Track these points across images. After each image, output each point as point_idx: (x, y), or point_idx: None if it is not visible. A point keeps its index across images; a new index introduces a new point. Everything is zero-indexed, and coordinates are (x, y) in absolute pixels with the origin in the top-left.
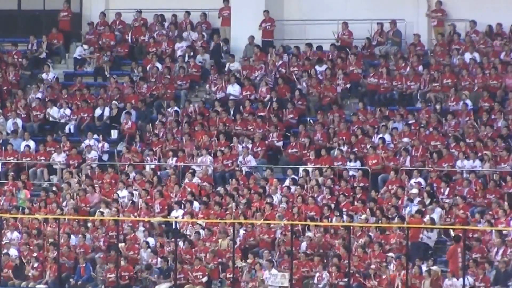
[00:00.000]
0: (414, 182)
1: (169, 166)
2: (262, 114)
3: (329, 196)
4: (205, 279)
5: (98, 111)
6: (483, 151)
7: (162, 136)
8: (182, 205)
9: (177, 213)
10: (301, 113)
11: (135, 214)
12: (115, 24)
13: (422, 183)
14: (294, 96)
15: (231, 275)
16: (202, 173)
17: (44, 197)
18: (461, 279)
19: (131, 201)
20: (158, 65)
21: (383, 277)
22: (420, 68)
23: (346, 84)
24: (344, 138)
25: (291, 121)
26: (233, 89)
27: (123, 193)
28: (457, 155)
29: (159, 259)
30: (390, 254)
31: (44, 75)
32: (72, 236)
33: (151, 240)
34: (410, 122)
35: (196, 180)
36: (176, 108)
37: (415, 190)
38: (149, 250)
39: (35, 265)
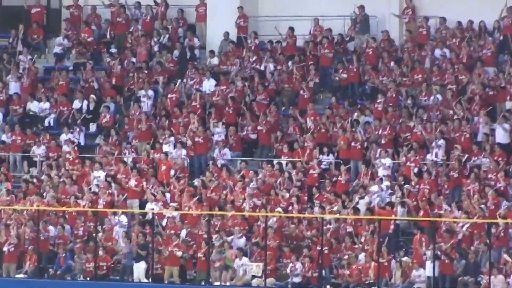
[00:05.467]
0: (381, 162)
1: (145, 155)
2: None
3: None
4: (179, 253)
5: (77, 104)
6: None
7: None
8: (154, 196)
9: (152, 205)
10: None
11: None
12: (91, 19)
13: (389, 163)
14: (265, 90)
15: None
16: (178, 166)
17: (24, 189)
18: (428, 270)
19: (106, 182)
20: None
21: (354, 267)
22: (392, 63)
23: (316, 79)
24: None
25: (262, 102)
26: (209, 84)
27: (99, 173)
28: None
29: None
30: (358, 246)
31: (21, 60)
32: (51, 227)
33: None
34: (378, 101)
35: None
36: (152, 102)
37: (386, 183)
38: (124, 233)
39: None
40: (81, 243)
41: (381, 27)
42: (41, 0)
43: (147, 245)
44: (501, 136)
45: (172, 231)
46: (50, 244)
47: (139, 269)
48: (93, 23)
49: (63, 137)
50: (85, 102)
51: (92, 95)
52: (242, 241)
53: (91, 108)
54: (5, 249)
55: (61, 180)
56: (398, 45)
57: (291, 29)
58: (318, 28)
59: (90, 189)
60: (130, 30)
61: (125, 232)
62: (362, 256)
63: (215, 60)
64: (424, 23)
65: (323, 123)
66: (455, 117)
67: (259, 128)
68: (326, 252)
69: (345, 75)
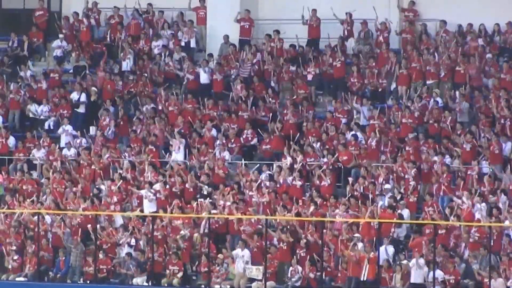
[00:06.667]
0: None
1: (145, 159)
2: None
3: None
4: (180, 274)
5: (75, 96)
6: (453, 148)
7: (139, 132)
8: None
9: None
10: (273, 111)
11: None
12: (91, 12)
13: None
14: (267, 93)
15: (205, 269)
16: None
17: (19, 179)
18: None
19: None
20: (131, 53)
21: (352, 253)
22: (391, 66)
23: (316, 70)
24: (315, 135)
25: (263, 118)
26: (203, 70)
27: (102, 186)
28: (427, 151)
29: (133, 251)
30: (357, 235)
31: (22, 73)
32: (47, 217)
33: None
34: (378, 104)
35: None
36: (153, 105)
37: (388, 186)
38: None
39: (15, 257)
40: (81, 245)
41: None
42: (43, 4)
43: (146, 263)
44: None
45: (173, 246)
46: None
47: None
48: (93, 16)
49: (63, 127)
50: (83, 95)
51: (93, 88)
52: (246, 253)
53: (92, 99)
54: (9, 266)
55: (60, 180)
56: (397, 47)
57: (293, 46)
58: (316, 19)
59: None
60: (131, 33)
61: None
62: (360, 245)
63: (213, 63)
64: (423, 28)
65: (325, 129)
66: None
67: (263, 147)
68: (325, 254)
69: (338, 64)
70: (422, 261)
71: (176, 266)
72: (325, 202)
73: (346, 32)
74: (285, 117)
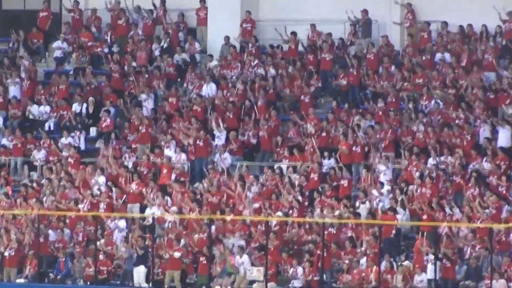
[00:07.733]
0: (379, 168)
1: (145, 159)
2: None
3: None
4: (178, 254)
5: (76, 107)
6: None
7: (139, 134)
8: (154, 199)
9: (152, 210)
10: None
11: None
12: (91, 21)
13: (389, 168)
14: (267, 95)
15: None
16: (178, 170)
17: (24, 193)
18: (429, 273)
19: (106, 187)
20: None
21: (355, 272)
22: (393, 68)
23: (319, 83)
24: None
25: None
26: (209, 88)
27: (101, 179)
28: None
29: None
30: (360, 250)
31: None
32: (51, 232)
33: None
34: (379, 105)
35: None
36: (153, 106)
37: (387, 187)
38: (123, 237)
39: (13, 245)
40: (81, 247)
41: (381, 32)
42: (45, 4)
43: (147, 247)
44: (503, 139)
45: (172, 236)
46: (50, 248)
47: (139, 273)
48: (93, 25)
49: (63, 140)
50: (85, 105)
51: (91, 98)
52: (246, 260)
53: (90, 111)
54: (6, 253)
55: (61, 184)
56: (398, 49)
57: (294, 33)
58: (316, 34)
59: (91, 194)
60: (131, 34)
61: (124, 237)
62: (363, 261)
63: (214, 62)
64: (425, 28)
65: (324, 127)
66: (456, 121)
67: (260, 133)
68: (326, 256)
69: (344, 82)
70: (423, 277)
71: (176, 251)
72: (325, 204)
73: (350, 43)
74: (287, 134)
